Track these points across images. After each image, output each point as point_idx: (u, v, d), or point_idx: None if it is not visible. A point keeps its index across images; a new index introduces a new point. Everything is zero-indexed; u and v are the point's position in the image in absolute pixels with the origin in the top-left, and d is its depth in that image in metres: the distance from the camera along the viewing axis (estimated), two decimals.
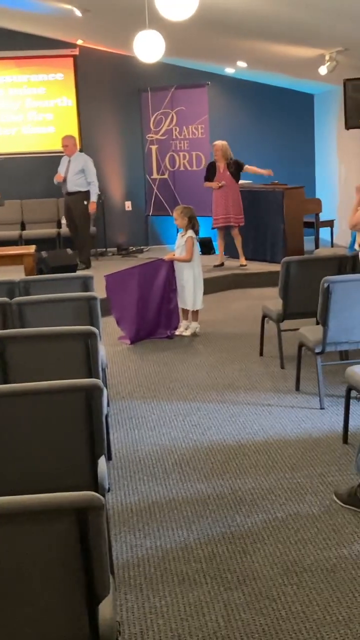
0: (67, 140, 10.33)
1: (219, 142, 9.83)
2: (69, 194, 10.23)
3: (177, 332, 7.30)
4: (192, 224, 7.24)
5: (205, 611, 2.93)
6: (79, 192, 10.22)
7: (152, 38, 6.59)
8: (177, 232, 7.57)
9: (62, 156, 10.38)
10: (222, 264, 10.03)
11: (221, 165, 9.80)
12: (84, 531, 1.99)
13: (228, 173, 9.75)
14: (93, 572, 2.03)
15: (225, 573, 3.20)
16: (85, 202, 10.27)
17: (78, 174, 10.19)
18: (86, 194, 10.26)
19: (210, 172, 9.90)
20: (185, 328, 7.34)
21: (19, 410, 3.10)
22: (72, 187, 10.18)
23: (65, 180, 10.16)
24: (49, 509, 1.99)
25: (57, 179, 10.19)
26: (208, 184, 9.92)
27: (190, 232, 7.20)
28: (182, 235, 7.25)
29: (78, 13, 8.46)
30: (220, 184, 9.72)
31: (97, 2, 8.08)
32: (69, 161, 10.23)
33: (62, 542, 2.00)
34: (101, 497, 2.03)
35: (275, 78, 11.61)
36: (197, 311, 7.36)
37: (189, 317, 7.36)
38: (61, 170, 10.24)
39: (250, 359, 6.44)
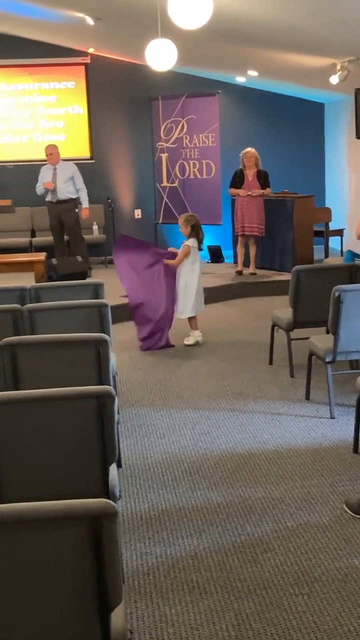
0: (51, 149, 10.31)
1: (252, 150, 9.79)
2: (60, 202, 10.21)
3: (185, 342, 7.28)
4: (196, 233, 7.21)
5: (216, 620, 2.92)
6: (70, 199, 10.22)
7: (165, 46, 6.61)
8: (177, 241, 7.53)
9: (44, 164, 10.37)
10: (241, 272, 10.00)
11: (250, 173, 9.79)
12: (97, 538, 1.99)
13: (257, 182, 9.74)
14: (106, 580, 2.02)
15: (236, 582, 3.19)
16: (76, 210, 10.28)
17: (67, 182, 10.18)
18: (76, 201, 10.27)
19: (238, 179, 9.88)
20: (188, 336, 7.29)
21: (31, 417, 3.09)
22: (62, 194, 10.16)
23: (55, 188, 10.16)
24: (63, 515, 1.99)
25: (46, 187, 10.14)
26: (235, 191, 9.89)
27: (190, 241, 7.17)
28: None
29: (90, 21, 8.49)
30: (250, 193, 9.70)
31: (109, 11, 8.11)
32: (55, 169, 10.22)
33: (75, 549, 2.00)
34: (114, 504, 2.02)
35: (286, 87, 11.63)
36: (194, 319, 7.31)
37: (191, 325, 7.32)
38: (46, 178, 10.21)
39: (259, 367, 6.43)
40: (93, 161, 11.57)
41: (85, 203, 10.26)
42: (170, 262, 7.13)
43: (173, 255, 7.20)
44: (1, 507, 2.04)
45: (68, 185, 10.16)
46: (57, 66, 11.70)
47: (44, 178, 10.20)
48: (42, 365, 4.05)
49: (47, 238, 11.28)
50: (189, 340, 7.28)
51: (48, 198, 10.23)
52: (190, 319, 7.28)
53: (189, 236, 7.21)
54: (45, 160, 10.33)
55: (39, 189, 10.23)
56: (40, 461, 3.12)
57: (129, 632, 2.19)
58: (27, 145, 11.91)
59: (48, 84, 11.80)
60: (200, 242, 7.24)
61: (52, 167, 10.22)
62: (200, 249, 7.31)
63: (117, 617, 2.10)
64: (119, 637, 2.08)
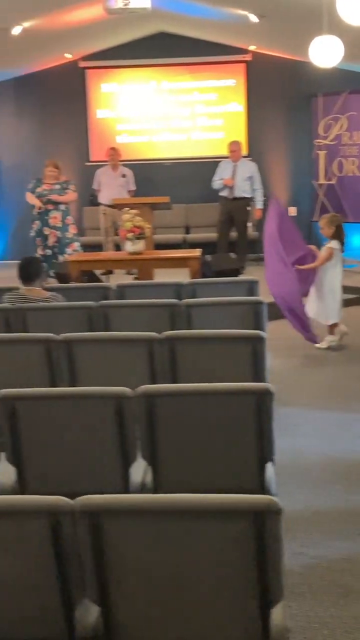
0: (235, 145, 10.41)
1: None
2: (235, 199, 10.29)
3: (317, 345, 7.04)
4: (339, 234, 6.91)
5: None
6: (244, 198, 10.30)
7: (331, 43, 6.52)
8: (323, 241, 7.19)
9: (220, 161, 10.47)
10: None
11: None
12: (260, 534, 2.00)
13: None
14: (268, 576, 2.03)
15: None
16: (248, 208, 10.32)
17: (246, 180, 10.26)
18: (249, 200, 10.32)
19: None
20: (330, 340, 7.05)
21: (189, 410, 3.14)
22: (239, 192, 10.25)
23: (233, 185, 10.24)
24: (227, 509, 2.01)
25: (225, 183, 10.25)
26: None
27: (333, 243, 6.88)
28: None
29: (254, 19, 8.49)
30: None
31: (273, 8, 8.08)
32: (235, 166, 10.29)
33: (238, 544, 2.01)
34: (278, 501, 2.02)
35: None
36: (334, 324, 7.03)
37: (331, 329, 7.02)
38: (225, 175, 10.30)
39: None
40: (250, 158, 11.56)
41: (259, 204, 10.35)
42: (310, 266, 6.85)
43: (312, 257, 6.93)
44: (167, 497, 2.09)
45: (246, 183, 10.26)
46: (218, 64, 11.78)
47: (223, 173, 10.33)
48: (198, 359, 4.10)
49: (201, 235, 11.42)
50: (323, 344, 6.98)
51: (223, 193, 10.37)
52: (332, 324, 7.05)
53: (332, 237, 6.92)
54: (226, 157, 10.51)
55: (217, 183, 10.36)
56: (197, 454, 3.16)
57: (287, 630, 2.19)
58: (185, 143, 12.09)
59: (208, 82, 11.92)
60: (342, 243, 6.95)
61: (232, 163, 10.34)
62: (342, 250, 7.01)
63: (277, 614, 2.10)
64: (279, 635, 2.08)
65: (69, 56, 11.55)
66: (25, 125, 12.17)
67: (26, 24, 8.18)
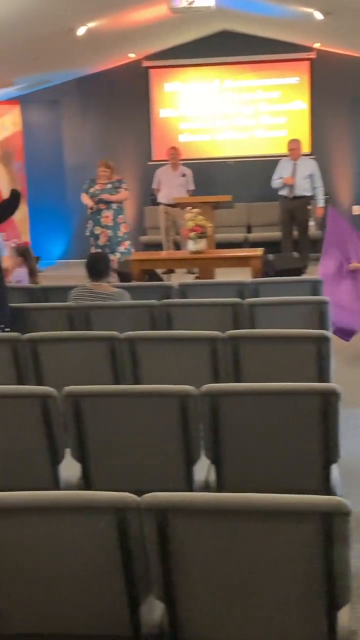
0: (295, 143, 10.33)
1: None
2: (295, 198, 10.22)
3: None
4: None
5: None
6: (305, 196, 10.21)
7: None
8: None
9: (280, 159, 10.41)
10: None
11: None
12: (328, 536, 1.98)
13: None
14: (335, 578, 2.00)
15: None
16: (309, 207, 10.24)
17: (306, 178, 10.17)
18: (310, 199, 10.23)
19: None
20: None
21: (254, 410, 3.13)
22: (300, 191, 10.16)
23: (293, 184, 10.17)
24: (296, 510, 1.99)
25: (286, 182, 10.18)
26: None
27: None
28: None
29: (319, 16, 8.40)
30: None
31: (339, 5, 7.98)
32: (295, 165, 10.21)
33: (306, 545, 2.00)
34: (347, 503, 1.99)
35: None
36: None
37: None
38: (285, 173, 10.23)
39: None
40: (313, 157, 11.46)
41: (321, 202, 10.27)
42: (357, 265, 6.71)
43: None
44: (235, 496, 2.07)
45: (306, 182, 10.19)
46: (282, 62, 11.70)
47: (283, 172, 10.27)
48: (261, 359, 4.07)
49: (263, 234, 11.36)
50: None
51: (283, 192, 10.30)
52: None
53: None
54: (285, 155, 10.45)
55: (276, 182, 10.30)
56: (260, 454, 3.14)
57: (354, 632, 2.16)
58: (248, 142, 12.04)
59: (271, 80, 11.85)
60: None
61: (292, 161, 10.27)
62: None
63: (344, 616, 2.08)
64: (345, 637, 2.05)
65: (132, 56, 11.62)
66: (88, 124, 12.28)
67: (91, 25, 8.25)
